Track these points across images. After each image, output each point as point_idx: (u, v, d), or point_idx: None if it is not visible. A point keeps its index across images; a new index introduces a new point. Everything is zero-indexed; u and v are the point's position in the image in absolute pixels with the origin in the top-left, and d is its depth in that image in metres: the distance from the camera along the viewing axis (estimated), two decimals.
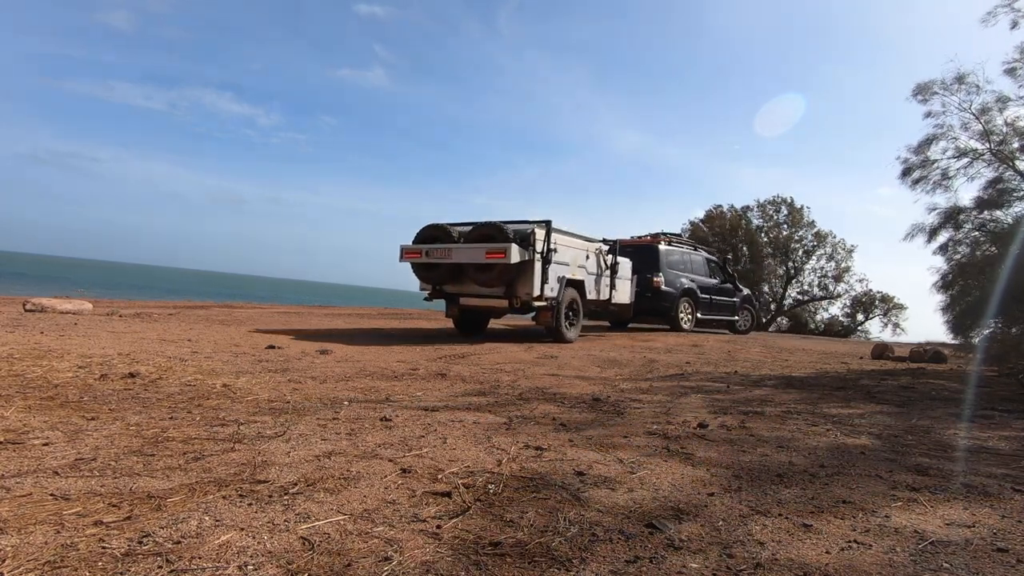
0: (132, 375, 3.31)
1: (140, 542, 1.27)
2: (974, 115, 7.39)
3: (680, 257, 11.63)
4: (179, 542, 1.28)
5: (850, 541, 1.52)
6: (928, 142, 7.77)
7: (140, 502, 1.50)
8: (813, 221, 28.21)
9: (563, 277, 7.52)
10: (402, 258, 7.60)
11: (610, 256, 9.08)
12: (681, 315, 11.37)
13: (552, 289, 7.20)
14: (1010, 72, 7.09)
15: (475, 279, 7.06)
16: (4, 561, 1.15)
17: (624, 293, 9.67)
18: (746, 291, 13.54)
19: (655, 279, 10.83)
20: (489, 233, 7.04)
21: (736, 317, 13.09)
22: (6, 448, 1.88)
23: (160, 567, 1.16)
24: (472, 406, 3.16)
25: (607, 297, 8.98)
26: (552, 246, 7.25)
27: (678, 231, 12.31)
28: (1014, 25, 7.08)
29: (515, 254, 6.66)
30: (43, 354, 3.83)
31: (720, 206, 29.94)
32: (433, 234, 7.54)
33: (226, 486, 1.65)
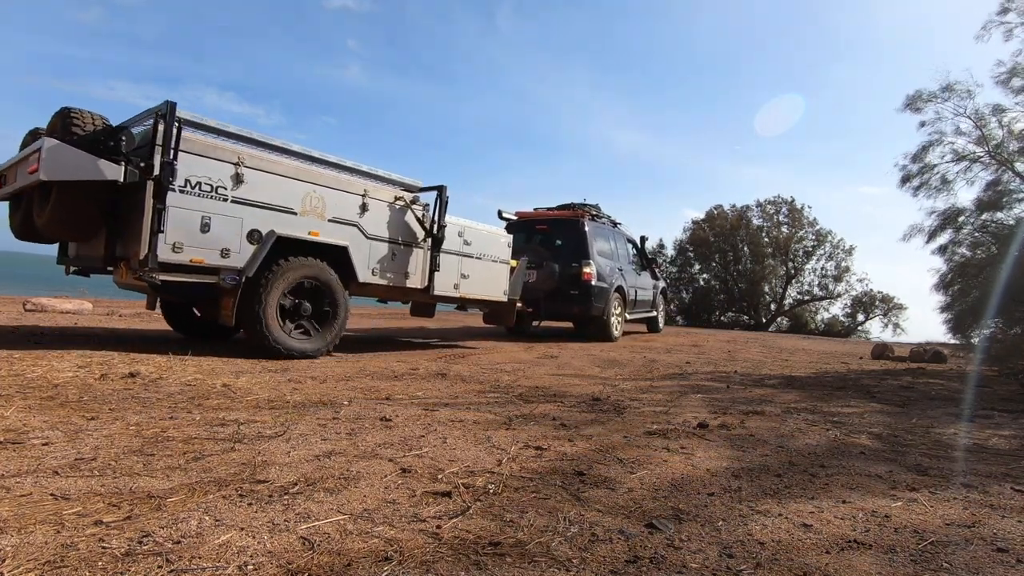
0: (132, 375, 3.31)
1: (140, 542, 1.27)
2: (970, 119, 7.49)
3: (607, 239, 8.73)
4: (179, 542, 1.28)
5: (850, 541, 1.52)
6: (925, 149, 7.90)
7: (140, 502, 1.50)
8: (815, 220, 28.27)
9: (271, 233, 4.28)
10: None
11: (421, 210, 5.51)
12: (613, 319, 8.41)
13: (228, 252, 4.07)
14: (1003, 83, 7.28)
15: (42, 223, 4.00)
16: (4, 561, 1.15)
17: (491, 283, 6.38)
18: (663, 282, 11.44)
19: (585, 270, 7.79)
20: (55, 126, 3.85)
21: (655, 313, 10.82)
22: (6, 448, 1.88)
23: (160, 567, 1.16)
24: (472, 406, 3.16)
25: (425, 284, 5.56)
26: (243, 171, 4.09)
27: (595, 202, 9.14)
28: (1008, 37, 7.30)
29: (55, 162, 3.52)
30: (43, 354, 3.83)
31: (721, 205, 30.00)
32: (28, 142, 4.28)
33: (226, 486, 1.65)
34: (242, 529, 1.37)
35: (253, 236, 4.24)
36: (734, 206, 29.72)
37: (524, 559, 1.30)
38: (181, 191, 3.86)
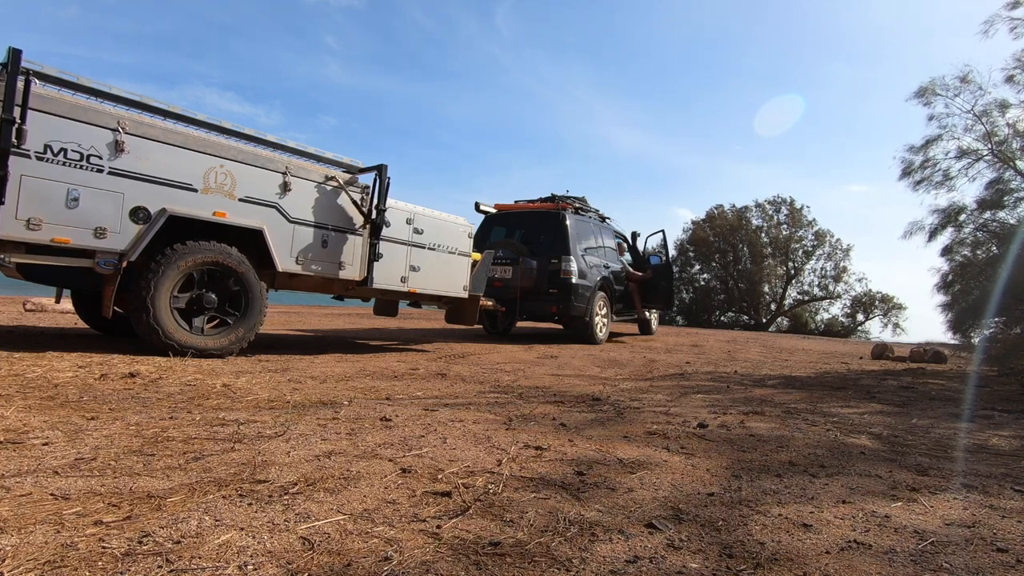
0: (132, 375, 3.31)
1: (140, 542, 1.27)
2: (976, 116, 7.46)
3: (592, 234, 8.14)
4: (179, 542, 1.28)
5: (850, 541, 1.52)
6: (929, 143, 7.85)
7: (140, 502, 1.50)
8: (814, 220, 28.29)
9: (161, 211, 3.83)
10: None
11: (359, 193, 4.99)
12: (596, 320, 7.77)
13: (104, 231, 3.62)
14: (1009, 79, 7.22)
15: None
16: (4, 561, 1.15)
17: (447, 278, 5.82)
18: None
19: (565, 267, 7.29)
20: None
21: (647, 313, 10.17)
22: (6, 448, 1.88)
23: (160, 567, 1.16)
24: (472, 406, 3.16)
25: (363, 276, 5.04)
26: (125, 139, 3.64)
27: (581, 195, 8.64)
28: (1014, 32, 7.20)
29: None
30: (43, 354, 3.83)
31: (721, 205, 30.02)
32: None
33: (226, 486, 1.65)
34: (242, 529, 1.37)
35: (138, 214, 3.74)
36: (734, 205, 29.77)
37: (524, 559, 1.30)
38: (39, 158, 3.38)
